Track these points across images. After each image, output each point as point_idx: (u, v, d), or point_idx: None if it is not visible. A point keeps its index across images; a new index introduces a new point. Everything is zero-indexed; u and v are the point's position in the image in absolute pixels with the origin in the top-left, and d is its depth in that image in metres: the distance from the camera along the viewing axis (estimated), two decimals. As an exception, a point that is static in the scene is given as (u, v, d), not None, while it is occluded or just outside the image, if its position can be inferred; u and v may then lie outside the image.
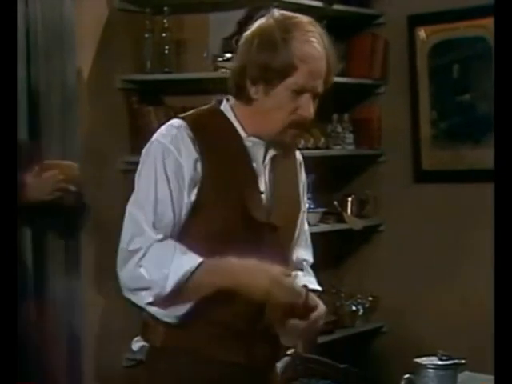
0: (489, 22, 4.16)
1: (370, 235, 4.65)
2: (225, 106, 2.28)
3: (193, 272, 2.08)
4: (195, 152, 2.16)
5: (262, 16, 2.24)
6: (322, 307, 2.19)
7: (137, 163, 2.23)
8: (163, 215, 2.14)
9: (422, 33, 4.43)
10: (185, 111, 2.29)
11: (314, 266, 2.48)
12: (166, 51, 3.95)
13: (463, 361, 1.99)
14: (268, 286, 2.08)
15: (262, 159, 2.27)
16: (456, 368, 1.95)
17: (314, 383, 2.47)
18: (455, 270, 4.33)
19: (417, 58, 4.45)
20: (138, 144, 3.77)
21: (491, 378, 2.25)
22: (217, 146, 2.21)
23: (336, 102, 3.91)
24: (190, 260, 2.10)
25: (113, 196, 3.58)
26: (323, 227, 4.27)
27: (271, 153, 2.27)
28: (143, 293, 2.10)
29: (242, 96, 2.21)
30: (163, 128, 2.21)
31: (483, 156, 4.25)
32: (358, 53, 4.50)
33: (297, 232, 2.39)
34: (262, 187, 2.26)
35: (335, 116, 4.41)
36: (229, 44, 4.00)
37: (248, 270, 2.12)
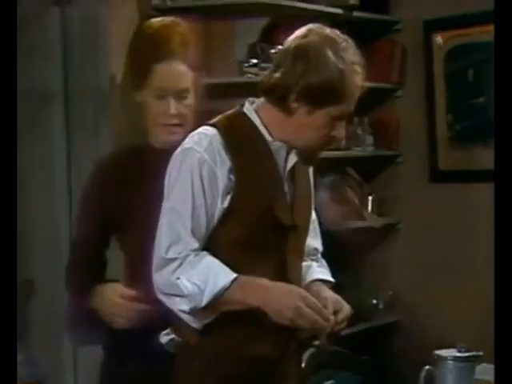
0: (503, 27, 4.22)
1: (389, 232, 4.63)
2: (248, 109, 2.24)
3: (227, 288, 2.07)
4: (228, 160, 2.13)
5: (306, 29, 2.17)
6: (346, 309, 2.20)
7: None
8: (199, 223, 2.13)
9: (438, 38, 4.42)
10: (211, 115, 2.28)
11: (334, 262, 2.47)
12: (195, 57, 3.99)
13: (481, 353, 1.98)
14: (298, 306, 2.07)
15: (284, 162, 2.24)
16: (474, 360, 1.94)
17: (337, 374, 2.46)
18: (470, 265, 4.32)
19: (433, 63, 4.43)
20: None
21: None
22: (247, 152, 2.18)
23: (356, 105, 3.91)
24: (225, 276, 2.09)
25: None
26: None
27: (293, 158, 2.24)
28: (177, 299, 2.10)
29: (281, 105, 2.16)
30: (196, 135, 2.17)
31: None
32: (376, 58, 4.44)
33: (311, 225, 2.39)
34: (286, 189, 2.24)
35: (355, 119, 4.39)
36: (254, 50, 4.02)
37: (279, 290, 2.11)
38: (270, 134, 2.20)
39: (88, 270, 2.44)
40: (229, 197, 2.14)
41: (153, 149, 2.39)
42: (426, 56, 4.46)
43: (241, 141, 2.18)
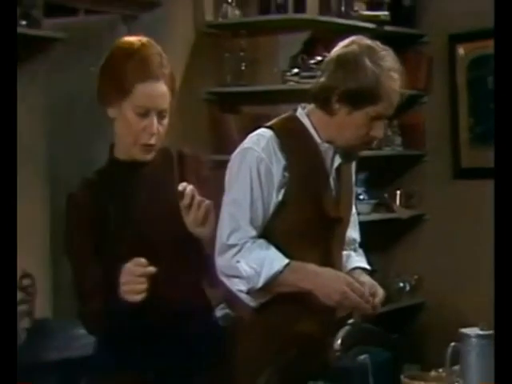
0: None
1: (415, 223, 4.61)
2: (300, 113, 2.25)
3: (281, 272, 2.10)
4: (283, 159, 2.16)
5: (351, 40, 2.20)
6: (381, 292, 2.21)
7: (218, 162, 2.27)
8: (257, 214, 2.15)
9: (461, 50, 4.40)
10: (258, 118, 2.28)
11: (367, 250, 2.47)
12: (243, 67, 3.99)
13: None
14: (344, 290, 2.10)
15: (331, 161, 2.25)
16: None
17: (369, 350, 2.46)
18: (489, 254, 4.32)
19: (456, 72, 4.41)
20: (219, 145, 3.93)
21: None
22: (299, 152, 2.19)
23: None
24: (279, 261, 2.12)
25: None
26: (375, 216, 4.26)
27: (339, 158, 2.25)
28: (236, 280, 2.12)
29: (325, 107, 2.19)
30: (254, 136, 2.20)
31: (513, 156, 4.30)
32: (405, 67, 4.47)
33: (351, 218, 2.40)
34: (332, 186, 2.25)
35: (386, 121, 4.42)
36: (295, 61, 4.01)
37: (327, 275, 2.14)
38: (319, 136, 2.22)
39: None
40: (283, 191, 2.16)
41: (119, 162, 2.18)
42: (450, 65, 4.44)
43: (294, 142, 2.20)
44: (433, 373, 2.19)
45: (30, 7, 3.01)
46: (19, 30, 2.87)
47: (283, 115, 2.31)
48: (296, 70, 3.94)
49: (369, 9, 4.21)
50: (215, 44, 4.00)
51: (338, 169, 2.28)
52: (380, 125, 2.20)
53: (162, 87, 2.08)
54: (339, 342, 2.00)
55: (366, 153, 4.03)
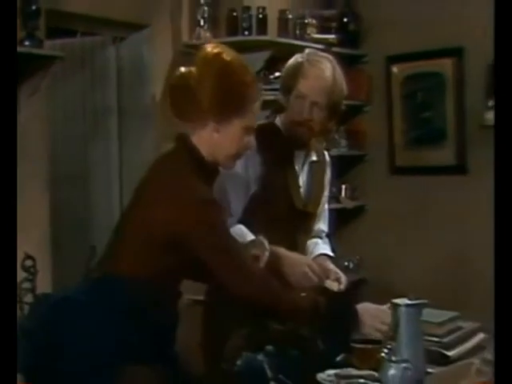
0: (443, 61, 4.19)
1: (358, 212, 4.62)
2: (277, 121, 2.27)
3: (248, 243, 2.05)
4: (259, 158, 2.15)
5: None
6: (344, 277, 2.21)
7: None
8: (236, 206, 2.13)
9: (395, 69, 4.43)
10: None
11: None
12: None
13: (426, 301, 1.96)
14: (305, 271, 2.09)
15: (302, 161, 2.25)
16: (421, 306, 1.88)
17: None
18: (420, 236, 4.34)
19: (392, 87, 4.44)
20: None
21: (447, 312, 2.25)
22: (272, 151, 2.18)
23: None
24: (249, 235, 2.09)
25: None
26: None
27: (308, 159, 2.26)
28: None
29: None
30: None
31: (438, 156, 4.28)
32: (350, 82, 4.46)
33: (319, 212, 2.37)
34: (301, 184, 2.25)
35: (334, 128, 4.39)
36: (258, 76, 4.03)
37: (292, 257, 2.12)
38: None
39: None
40: (256, 185, 2.15)
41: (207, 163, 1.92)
42: (387, 82, 4.46)
43: (268, 143, 2.16)
44: (371, 337, 2.22)
45: (34, 29, 2.99)
46: (24, 49, 2.85)
47: (263, 122, 2.29)
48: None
49: (319, 32, 4.19)
50: (190, 61, 3.89)
51: (310, 170, 2.27)
52: (307, 105, 2.16)
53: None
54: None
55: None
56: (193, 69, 1.83)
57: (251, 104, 1.81)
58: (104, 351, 1.66)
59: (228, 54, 1.83)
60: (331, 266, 2.24)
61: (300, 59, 2.19)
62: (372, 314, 1.97)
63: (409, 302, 1.90)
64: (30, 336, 1.69)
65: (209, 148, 1.83)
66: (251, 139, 1.86)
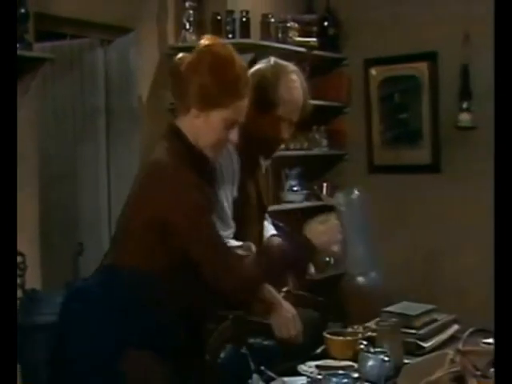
0: (418, 65, 4.22)
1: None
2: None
3: None
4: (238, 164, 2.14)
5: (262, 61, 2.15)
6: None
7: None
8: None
9: (373, 71, 4.43)
10: None
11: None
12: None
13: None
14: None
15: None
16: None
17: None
18: (397, 232, 4.37)
19: (370, 89, 4.45)
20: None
21: (423, 305, 2.31)
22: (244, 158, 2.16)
23: (315, 117, 3.91)
24: None
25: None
26: (307, 203, 4.26)
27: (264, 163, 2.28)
28: None
29: None
30: None
31: (414, 155, 4.31)
32: (331, 84, 4.49)
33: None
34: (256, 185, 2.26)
35: (314, 127, 4.42)
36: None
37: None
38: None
39: None
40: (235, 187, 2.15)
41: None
42: (365, 84, 4.47)
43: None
44: (349, 329, 2.24)
45: (24, 32, 2.98)
46: (13, 51, 2.83)
47: None
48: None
49: (300, 36, 4.19)
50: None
51: (259, 176, 2.26)
52: (284, 127, 2.14)
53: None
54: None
55: (298, 152, 4.15)
56: (189, 56, 1.84)
57: (236, 99, 1.78)
58: (105, 343, 1.67)
59: (223, 49, 1.82)
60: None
61: (270, 76, 2.09)
62: (320, 232, 1.90)
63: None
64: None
65: (193, 134, 1.83)
66: (234, 133, 1.82)
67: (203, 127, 1.80)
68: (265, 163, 2.30)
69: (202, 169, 1.84)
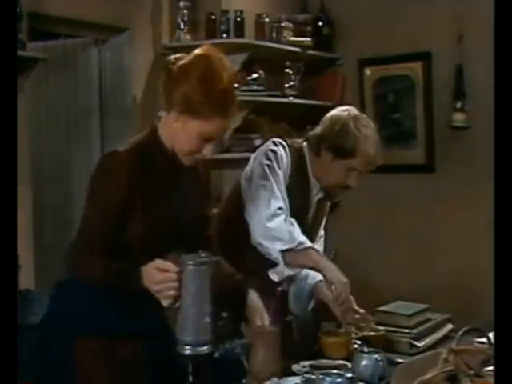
0: (413, 65, 4.22)
1: (333, 208, 4.62)
2: (305, 146, 2.33)
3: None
4: (289, 168, 2.27)
5: None
6: None
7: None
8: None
9: (367, 71, 4.44)
10: None
11: None
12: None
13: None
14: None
15: (315, 194, 2.37)
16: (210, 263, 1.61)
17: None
18: (391, 232, 4.37)
19: (364, 89, 4.45)
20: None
21: (417, 305, 2.32)
22: (297, 170, 2.31)
23: (310, 117, 3.95)
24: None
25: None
26: None
27: (320, 194, 2.37)
28: (278, 242, 2.13)
29: (316, 150, 2.27)
30: (277, 142, 2.30)
31: (408, 155, 4.31)
32: (325, 84, 4.51)
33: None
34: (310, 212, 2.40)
35: (309, 127, 4.32)
36: (236, 77, 4.00)
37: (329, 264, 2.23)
38: (311, 171, 2.30)
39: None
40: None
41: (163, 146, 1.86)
42: (359, 83, 4.47)
43: (297, 162, 2.29)
44: (342, 329, 2.24)
45: (17, 32, 2.96)
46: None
47: (297, 140, 2.37)
48: (236, 85, 3.88)
49: (295, 36, 4.19)
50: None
51: (318, 202, 2.37)
52: (354, 175, 2.25)
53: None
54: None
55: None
56: (184, 57, 1.82)
57: (218, 115, 1.75)
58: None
59: (219, 63, 1.78)
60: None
61: (352, 127, 2.19)
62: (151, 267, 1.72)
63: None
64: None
65: (169, 135, 1.83)
66: (208, 148, 1.79)
67: (179, 132, 1.79)
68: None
69: (166, 169, 1.84)
